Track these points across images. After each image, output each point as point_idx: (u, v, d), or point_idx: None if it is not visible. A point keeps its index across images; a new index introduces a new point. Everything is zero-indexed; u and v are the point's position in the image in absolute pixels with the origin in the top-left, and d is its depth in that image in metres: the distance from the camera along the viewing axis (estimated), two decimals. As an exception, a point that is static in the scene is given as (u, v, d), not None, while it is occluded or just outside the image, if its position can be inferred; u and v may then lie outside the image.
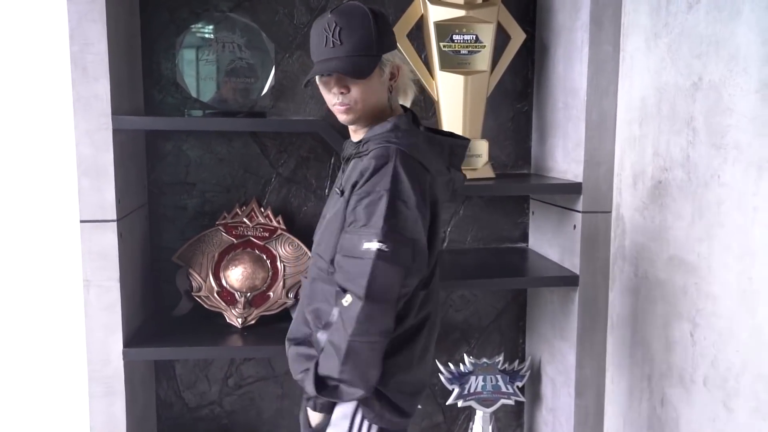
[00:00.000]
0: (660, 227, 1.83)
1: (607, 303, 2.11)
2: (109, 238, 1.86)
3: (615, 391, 2.09)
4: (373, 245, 1.33)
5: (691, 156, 1.68)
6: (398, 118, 1.50)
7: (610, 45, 2.03)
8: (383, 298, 1.35)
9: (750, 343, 1.48)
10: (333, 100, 1.49)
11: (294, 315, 1.69)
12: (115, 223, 1.85)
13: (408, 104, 1.61)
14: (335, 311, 1.41)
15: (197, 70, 2.03)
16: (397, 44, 1.59)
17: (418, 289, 1.48)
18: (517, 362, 2.36)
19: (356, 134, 1.57)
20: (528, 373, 2.33)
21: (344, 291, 1.38)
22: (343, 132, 2.26)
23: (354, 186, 1.43)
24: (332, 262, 1.45)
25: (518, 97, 2.44)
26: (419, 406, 1.56)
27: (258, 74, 2.07)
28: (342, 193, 1.48)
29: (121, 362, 1.91)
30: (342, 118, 1.51)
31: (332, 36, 1.42)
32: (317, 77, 1.49)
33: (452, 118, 2.14)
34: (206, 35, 2.04)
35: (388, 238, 1.34)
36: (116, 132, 1.85)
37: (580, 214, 2.08)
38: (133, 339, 1.97)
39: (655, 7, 1.84)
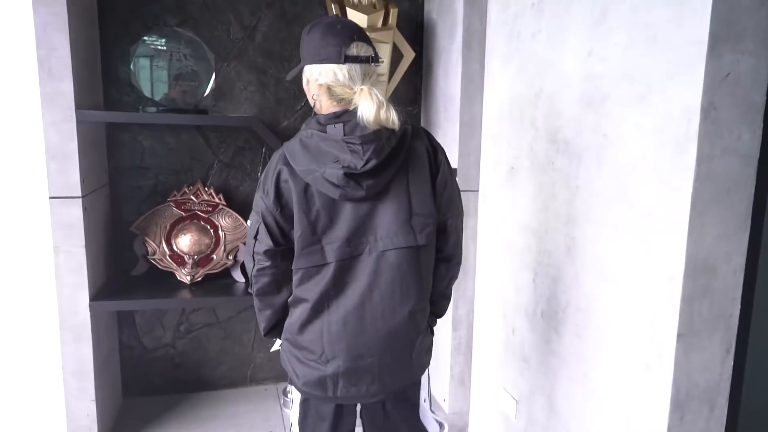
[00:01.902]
0: (512, 201, 1.94)
1: (476, 259, 2.23)
2: (75, 212, 1.79)
3: (480, 325, 2.21)
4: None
5: (534, 148, 1.79)
6: (306, 122, 1.26)
7: (478, 63, 2.12)
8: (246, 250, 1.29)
9: (572, 285, 1.61)
10: None
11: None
12: (80, 199, 1.78)
13: (369, 114, 1.17)
14: None
15: (150, 74, 1.97)
16: (322, 60, 1.21)
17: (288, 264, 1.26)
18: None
19: None
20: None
21: None
22: (272, 127, 2.25)
23: None
24: None
25: (410, 102, 2.49)
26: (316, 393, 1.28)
27: (201, 79, 2.03)
28: None
29: (88, 313, 1.85)
30: None
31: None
32: None
33: (358, 117, 2.17)
34: (157, 46, 1.98)
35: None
36: (80, 124, 1.77)
37: (455, 192, 2.17)
38: (97, 294, 1.92)
39: (508, 36, 1.94)
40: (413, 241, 1.23)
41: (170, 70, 1.98)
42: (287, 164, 1.20)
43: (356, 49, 1.21)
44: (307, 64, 1.23)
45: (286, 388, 2.33)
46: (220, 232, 2.12)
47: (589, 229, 1.52)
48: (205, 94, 2.03)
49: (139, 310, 2.28)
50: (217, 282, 2.10)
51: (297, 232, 1.21)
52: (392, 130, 1.20)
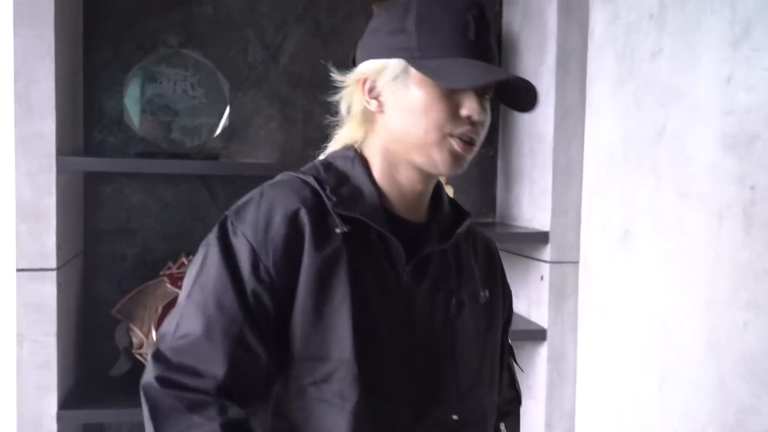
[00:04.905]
0: (628, 277, 2.04)
1: (576, 358, 2.31)
2: (47, 289, 1.95)
3: (587, 452, 2.27)
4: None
5: (657, 205, 1.90)
6: None
7: (577, 90, 2.27)
8: None
9: (716, 395, 1.68)
10: (457, 128, 1.16)
11: None
12: (55, 272, 1.96)
13: None
14: None
15: (147, 109, 2.19)
16: None
17: None
18: (483, 424, 2.53)
19: (417, 206, 1.31)
20: (495, 436, 2.50)
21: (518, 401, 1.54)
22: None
23: (496, 283, 1.44)
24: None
25: (483, 142, 2.65)
26: None
27: (210, 114, 2.24)
28: (489, 296, 1.37)
29: (55, 427, 1.98)
30: (456, 160, 1.19)
31: (480, 27, 1.16)
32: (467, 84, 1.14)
33: (415, 163, 2.33)
34: (156, 73, 2.21)
35: None
36: (59, 174, 1.98)
37: (547, 265, 2.28)
38: (67, 401, 2.05)
39: (619, 54, 2.10)
40: None
41: (171, 103, 2.21)
42: None
43: None
44: None
45: None
46: (228, 317, 2.26)
47: (737, 314, 1.61)
48: (216, 133, 2.24)
49: (113, 428, 2.41)
50: (223, 386, 2.22)
51: None
52: None
